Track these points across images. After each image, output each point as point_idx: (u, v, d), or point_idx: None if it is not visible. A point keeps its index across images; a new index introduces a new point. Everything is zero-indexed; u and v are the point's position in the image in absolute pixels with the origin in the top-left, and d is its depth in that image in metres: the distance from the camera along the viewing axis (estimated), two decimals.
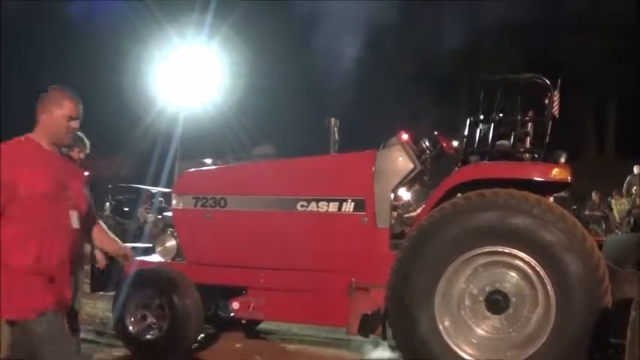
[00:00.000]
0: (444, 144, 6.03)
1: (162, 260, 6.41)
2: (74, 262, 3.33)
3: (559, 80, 5.77)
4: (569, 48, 23.61)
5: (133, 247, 4.45)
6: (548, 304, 4.99)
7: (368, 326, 5.47)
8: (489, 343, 5.15)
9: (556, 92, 5.67)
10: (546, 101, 5.69)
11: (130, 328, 6.00)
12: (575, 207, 15.70)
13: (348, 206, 5.65)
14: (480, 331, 5.20)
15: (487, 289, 5.18)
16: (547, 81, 5.66)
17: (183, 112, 18.38)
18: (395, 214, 6.00)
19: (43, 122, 3.27)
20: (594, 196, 17.59)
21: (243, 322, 6.59)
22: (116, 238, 3.67)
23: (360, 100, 24.12)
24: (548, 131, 5.66)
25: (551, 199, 5.92)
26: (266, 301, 5.92)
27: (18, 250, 3.08)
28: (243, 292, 6.02)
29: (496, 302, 5.14)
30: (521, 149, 5.93)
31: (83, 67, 22.70)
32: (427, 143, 6.01)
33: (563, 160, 5.68)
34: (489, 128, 5.84)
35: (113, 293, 6.25)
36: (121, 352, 6.18)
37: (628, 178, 17.13)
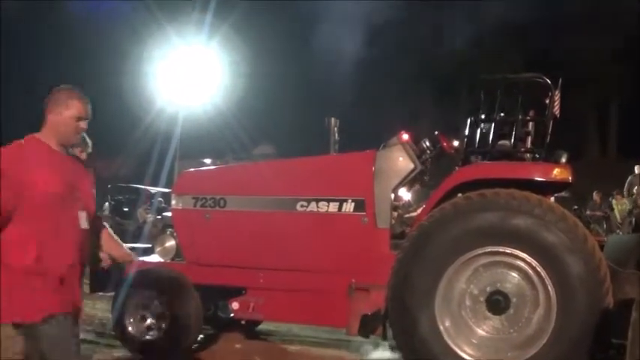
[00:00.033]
0: (445, 144, 6.01)
1: (162, 261, 6.40)
2: (83, 264, 3.31)
3: (560, 80, 5.75)
4: (570, 48, 23.58)
5: (133, 248, 4.43)
6: (549, 305, 4.97)
7: (368, 327, 5.45)
8: (490, 343, 5.13)
9: (557, 92, 5.66)
10: (547, 101, 5.67)
11: (130, 328, 5.98)
12: (576, 207, 15.66)
13: (348, 206, 5.63)
14: (480, 331, 5.18)
15: (488, 289, 5.16)
16: (548, 80, 5.64)
17: (182, 112, 18.37)
18: (395, 214, 5.98)
19: (51, 122, 3.23)
20: (595, 196, 17.58)
21: (243, 322, 6.57)
22: (122, 243, 3.64)
23: (360, 100, 24.12)
24: (549, 131, 5.64)
25: (553, 199, 5.90)
26: (266, 302, 5.90)
27: (18, 251, 3.05)
28: (243, 292, 6.00)
29: (497, 303, 5.12)
30: (522, 149, 5.92)
31: (83, 67, 22.68)
32: (427, 143, 6.00)
33: (564, 160, 5.66)
34: (490, 128, 5.82)
35: (112, 294, 6.23)
36: (120, 352, 6.17)
37: (629, 178, 17.11)
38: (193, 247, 6.16)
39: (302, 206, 5.75)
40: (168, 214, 6.85)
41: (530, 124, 6.03)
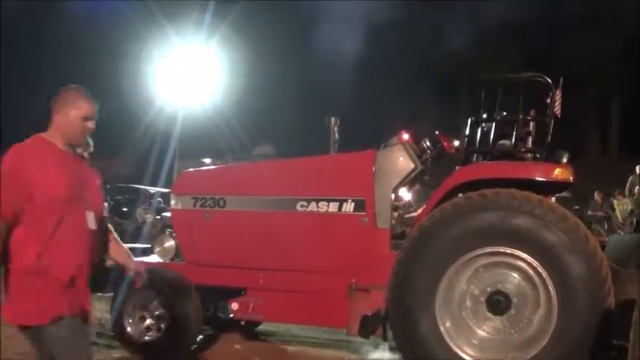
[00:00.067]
0: (445, 144, 6.00)
1: (161, 261, 6.38)
2: (91, 264, 3.27)
3: (561, 79, 5.73)
4: (570, 48, 23.56)
5: (132, 248, 4.40)
6: (550, 305, 4.95)
7: (368, 327, 5.44)
8: (491, 344, 5.12)
9: (558, 91, 5.64)
10: (548, 100, 5.65)
11: (129, 329, 5.97)
12: (577, 207, 15.67)
13: (349, 206, 5.61)
14: (481, 332, 5.17)
15: (488, 289, 5.15)
16: (549, 80, 5.63)
17: (182, 112, 18.34)
18: (395, 214, 5.97)
19: (57, 123, 3.20)
20: (597, 196, 17.55)
21: (243, 323, 6.57)
22: (126, 248, 3.61)
23: (360, 100, 24.10)
24: (550, 131, 5.63)
25: (553, 199, 5.89)
26: (265, 302, 5.89)
27: (21, 251, 3.02)
28: (243, 292, 5.99)
29: (497, 303, 5.11)
30: (523, 149, 5.91)
31: (83, 67, 22.67)
32: (428, 143, 5.98)
33: (565, 159, 5.65)
34: (491, 128, 5.81)
35: (111, 294, 6.21)
36: (119, 353, 6.14)
37: (630, 177, 17.04)
38: (193, 247, 6.15)
39: (302, 206, 5.73)
40: (168, 214, 6.83)
41: (531, 123, 6.01)
